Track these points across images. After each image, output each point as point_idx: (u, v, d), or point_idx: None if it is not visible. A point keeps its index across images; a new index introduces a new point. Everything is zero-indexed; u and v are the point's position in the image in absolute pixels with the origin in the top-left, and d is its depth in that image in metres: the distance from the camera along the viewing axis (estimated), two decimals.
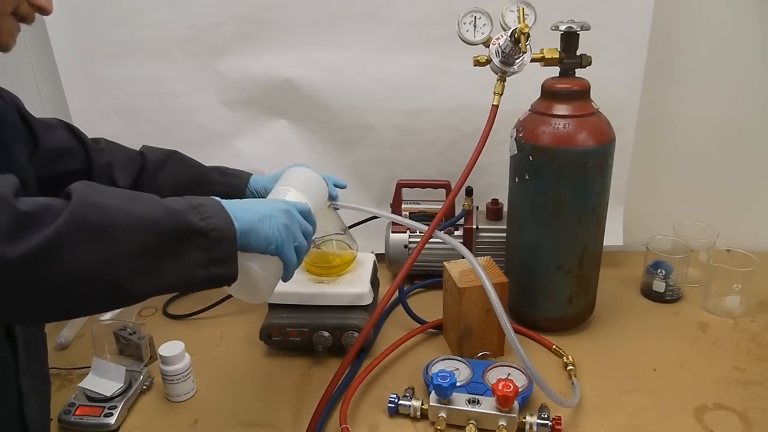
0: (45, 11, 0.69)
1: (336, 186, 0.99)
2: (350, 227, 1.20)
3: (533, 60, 0.94)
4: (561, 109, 0.95)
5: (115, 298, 0.56)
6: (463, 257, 0.93)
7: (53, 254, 0.50)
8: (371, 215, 1.23)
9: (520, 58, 0.91)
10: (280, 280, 0.76)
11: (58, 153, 0.85)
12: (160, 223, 0.57)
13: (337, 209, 1.05)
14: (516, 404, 0.83)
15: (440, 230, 1.09)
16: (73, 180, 0.86)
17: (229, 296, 1.17)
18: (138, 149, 0.98)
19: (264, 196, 1.00)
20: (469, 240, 1.19)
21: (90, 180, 0.87)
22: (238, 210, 0.66)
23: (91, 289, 0.53)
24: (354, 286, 1.03)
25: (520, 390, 0.84)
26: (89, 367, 0.94)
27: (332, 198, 0.95)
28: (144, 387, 0.95)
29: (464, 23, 0.93)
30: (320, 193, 0.90)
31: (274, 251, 0.69)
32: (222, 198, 1.03)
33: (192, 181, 0.96)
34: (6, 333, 0.70)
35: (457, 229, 1.20)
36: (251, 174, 1.02)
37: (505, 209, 1.16)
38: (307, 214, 0.77)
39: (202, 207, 0.62)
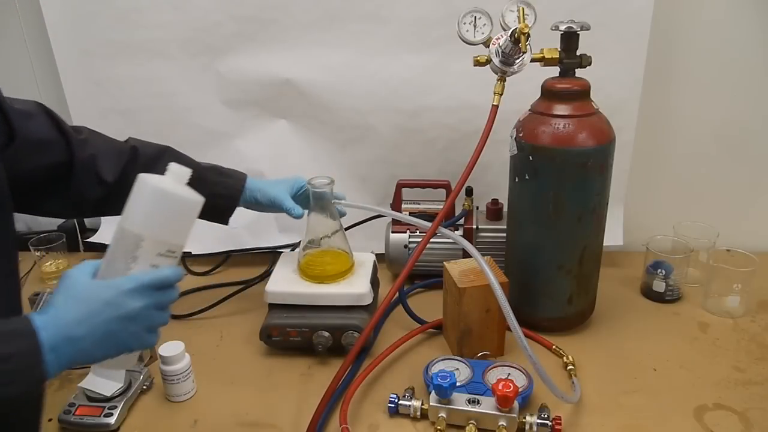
0: None
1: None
2: (350, 227, 1.21)
3: (533, 60, 0.94)
4: (561, 109, 0.95)
5: None
6: (464, 257, 0.93)
7: None
8: (371, 215, 1.24)
9: (520, 58, 0.91)
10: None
11: (36, 145, 0.79)
12: None
13: (340, 208, 1.05)
14: (516, 404, 0.83)
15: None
16: (52, 173, 0.82)
17: (229, 296, 1.17)
18: (124, 140, 0.94)
19: (259, 201, 1.01)
20: (469, 240, 1.18)
21: (72, 173, 0.84)
22: (69, 352, 0.59)
23: None
24: (354, 286, 1.03)
25: (520, 390, 0.84)
26: (89, 367, 0.94)
27: (338, 198, 0.95)
28: (144, 387, 0.95)
29: (464, 23, 0.93)
30: (180, 214, 0.66)
31: (127, 352, 0.64)
32: (219, 198, 1.01)
33: None
34: None
35: (457, 229, 1.20)
36: (246, 175, 1.02)
37: (505, 209, 1.16)
38: (167, 283, 0.65)
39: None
